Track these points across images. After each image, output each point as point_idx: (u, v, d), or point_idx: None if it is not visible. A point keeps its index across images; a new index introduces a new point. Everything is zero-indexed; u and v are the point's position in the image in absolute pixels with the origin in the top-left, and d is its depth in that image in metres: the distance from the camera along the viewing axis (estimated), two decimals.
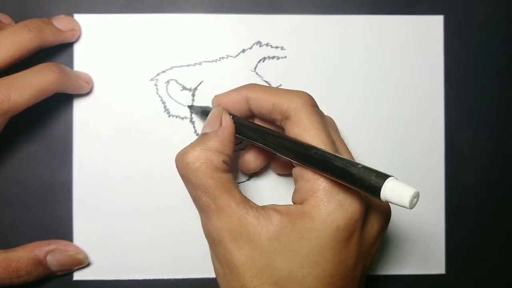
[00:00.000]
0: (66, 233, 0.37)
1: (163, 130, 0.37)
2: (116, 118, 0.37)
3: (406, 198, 0.23)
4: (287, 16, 0.38)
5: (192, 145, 0.30)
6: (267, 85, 0.38)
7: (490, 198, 0.39)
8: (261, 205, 0.30)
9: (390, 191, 0.24)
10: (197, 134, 0.38)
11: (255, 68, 0.38)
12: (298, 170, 0.29)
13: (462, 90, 0.39)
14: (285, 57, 0.38)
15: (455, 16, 0.39)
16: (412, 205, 0.23)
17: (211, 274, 0.37)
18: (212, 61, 0.38)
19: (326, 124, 0.30)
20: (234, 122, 0.32)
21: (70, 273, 0.37)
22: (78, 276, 0.37)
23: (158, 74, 0.37)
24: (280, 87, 0.38)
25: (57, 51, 0.37)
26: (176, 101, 0.38)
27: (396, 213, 0.38)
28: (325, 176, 0.28)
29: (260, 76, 0.38)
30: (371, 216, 0.30)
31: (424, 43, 0.39)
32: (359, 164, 0.26)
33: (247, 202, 0.29)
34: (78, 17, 0.37)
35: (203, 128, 0.32)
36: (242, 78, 0.38)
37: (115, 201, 0.37)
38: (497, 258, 0.39)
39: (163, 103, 0.37)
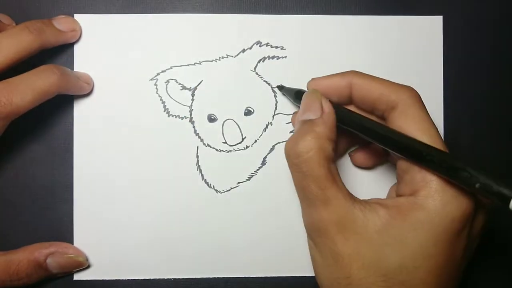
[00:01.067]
0: (66, 233, 0.37)
1: (162, 130, 0.37)
2: (116, 118, 0.37)
3: None
4: (287, 16, 0.38)
5: (300, 134, 0.30)
6: (267, 84, 0.38)
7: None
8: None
9: None
10: (197, 134, 0.38)
11: (255, 68, 0.38)
12: (405, 163, 0.29)
13: (462, 90, 0.39)
14: (285, 57, 0.38)
15: (454, 16, 0.39)
16: None
17: (211, 274, 0.37)
18: (212, 60, 0.38)
19: (431, 118, 0.30)
20: (336, 109, 0.31)
21: (69, 274, 0.37)
22: (78, 276, 0.37)
23: (158, 74, 0.38)
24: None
25: (58, 51, 0.37)
26: (175, 101, 0.38)
27: None
28: None
29: (260, 76, 0.38)
30: (478, 211, 0.30)
31: (424, 43, 0.39)
32: (481, 169, 0.26)
33: (352, 196, 0.29)
34: (78, 17, 0.37)
35: (302, 113, 0.31)
36: (242, 78, 0.38)
37: (115, 201, 0.37)
38: (497, 258, 0.39)
39: (163, 102, 0.38)
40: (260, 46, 0.38)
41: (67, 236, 0.37)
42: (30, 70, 0.34)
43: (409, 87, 0.31)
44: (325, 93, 0.32)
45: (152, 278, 0.37)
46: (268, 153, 0.38)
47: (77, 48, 0.37)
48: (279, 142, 0.38)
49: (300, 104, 0.33)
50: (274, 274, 0.38)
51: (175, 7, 0.38)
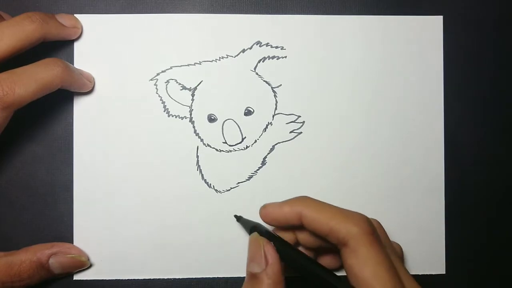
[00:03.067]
0: (66, 233, 0.37)
1: (162, 130, 0.37)
2: (116, 118, 0.37)
3: None
4: (287, 16, 0.38)
5: None
6: (267, 84, 0.38)
7: (490, 198, 0.39)
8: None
9: None
10: (196, 134, 0.38)
11: (255, 68, 0.38)
12: None
13: (462, 90, 0.39)
14: (285, 57, 0.38)
15: (455, 16, 0.39)
16: None
17: (211, 274, 0.37)
18: (212, 61, 0.38)
19: (388, 256, 0.29)
20: (280, 252, 0.31)
21: (71, 275, 0.37)
22: (78, 276, 0.37)
23: (158, 74, 0.38)
24: (280, 87, 0.38)
25: (58, 51, 0.37)
26: (175, 101, 0.38)
27: (396, 213, 0.38)
28: None
29: (260, 76, 0.38)
30: None
31: (424, 43, 0.39)
32: None
33: None
34: (78, 17, 0.37)
35: (248, 264, 0.31)
36: (242, 78, 0.38)
37: (115, 201, 0.37)
38: (497, 258, 0.39)
39: (163, 102, 0.38)
40: (260, 46, 0.38)
41: (67, 236, 0.37)
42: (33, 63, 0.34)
43: (360, 218, 0.29)
44: (277, 221, 0.32)
45: (152, 278, 0.37)
46: (268, 153, 0.38)
47: (77, 48, 0.37)
48: (279, 142, 0.38)
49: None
50: None
51: (175, 7, 0.38)
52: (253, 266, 0.30)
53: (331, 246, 0.31)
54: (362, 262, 0.28)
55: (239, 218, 0.36)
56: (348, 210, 0.30)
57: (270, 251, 0.30)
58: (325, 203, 0.31)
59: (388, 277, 0.27)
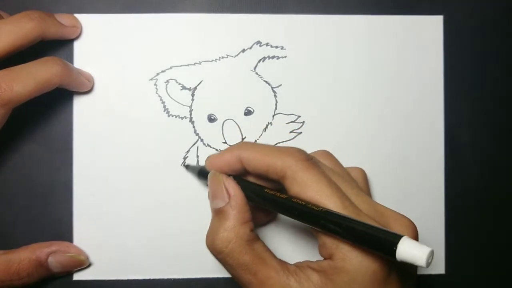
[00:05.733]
0: (66, 233, 0.37)
1: (162, 130, 0.37)
2: (116, 117, 0.37)
3: (422, 259, 0.24)
4: (287, 16, 0.38)
5: (214, 228, 0.30)
6: (267, 84, 0.38)
7: (490, 198, 0.39)
8: None
9: (404, 252, 0.24)
10: (197, 134, 0.38)
11: (255, 68, 0.38)
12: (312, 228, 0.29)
13: (462, 90, 0.39)
14: (285, 57, 0.38)
15: (455, 16, 0.39)
16: (428, 264, 0.24)
17: (211, 274, 0.37)
18: (212, 60, 0.38)
19: (326, 175, 0.29)
20: (240, 184, 0.31)
21: (70, 274, 0.37)
22: (78, 276, 0.37)
23: (157, 74, 0.38)
24: (280, 87, 0.38)
25: (57, 50, 0.37)
26: (175, 101, 0.38)
27: None
28: None
29: (260, 76, 0.38)
30: None
31: (424, 43, 0.39)
32: (368, 224, 0.26)
33: (285, 266, 0.29)
34: (78, 16, 0.37)
35: (212, 202, 0.31)
36: (242, 78, 0.38)
37: (115, 201, 0.37)
38: (497, 258, 0.39)
39: (163, 102, 0.38)
40: (260, 46, 0.38)
41: (66, 236, 0.37)
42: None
43: (293, 149, 0.30)
44: (222, 170, 0.32)
45: (152, 278, 0.37)
46: None
47: (76, 48, 0.37)
48: (279, 142, 0.38)
49: (204, 181, 0.33)
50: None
51: (175, 7, 0.38)
52: (216, 203, 0.31)
53: (275, 185, 0.31)
54: (303, 186, 0.29)
55: (187, 166, 0.37)
56: (282, 146, 0.31)
57: (231, 183, 0.31)
58: (262, 144, 0.33)
59: (330, 191, 0.28)
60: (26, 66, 0.33)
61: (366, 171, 0.37)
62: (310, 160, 0.30)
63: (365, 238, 0.26)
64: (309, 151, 0.38)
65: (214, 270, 0.37)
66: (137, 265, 0.37)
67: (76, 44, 0.37)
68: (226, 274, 0.37)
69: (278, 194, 0.30)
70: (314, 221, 0.28)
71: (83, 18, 0.37)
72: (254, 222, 0.31)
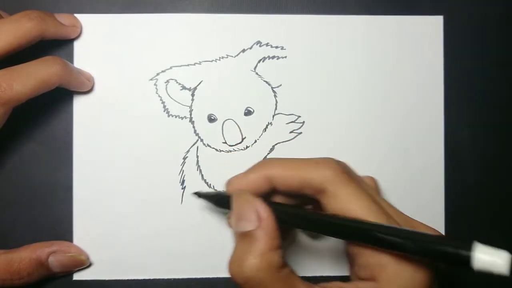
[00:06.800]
0: (66, 233, 0.37)
1: (162, 130, 0.37)
2: (116, 118, 0.37)
3: (503, 266, 0.21)
4: (287, 16, 0.38)
5: (241, 253, 0.27)
6: (267, 84, 0.38)
7: (490, 198, 0.39)
8: None
9: (483, 260, 0.22)
10: (197, 134, 0.38)
11: (255, 68, 0.38)
12: (355, 247, 0.27)
13: (462, 90, 0.39)
14: (285, 57, 0.38)
15: (455, 16, 0.39)
16: (509, 271, 0.22)
17: (211, 274, 0.37)
18: (212, 61, 0.38)
19: (367, 189, 0.28)
20: (272, 207, 0.28)
21: (70, 274, 0.37)
22: (78, 276, 0.37)
23: (157, 74, 0.38)
24: (280, 87, 0.38)
25: (57, 50, 0.37)
26: (175, 101, 0.38)
27: None
28: None
29: (260, 76, 0.38)
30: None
31: (424, 43, 0.39)
32: (431, 234, 0.25)
33: None
34: (78, 16, 0.37)
35: (237, 224, 0.28)
36: (242, 78, 0.38)
37: (115, 201, 0.37)
38: None
39: (163, 102, 0.38)
40: (260, 46, 0.38)
41: (66, 236, 0.37)
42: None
43: (330, 161, 0.28)
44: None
45: (152, 278, 0.37)
46: (268, 153, 0.38)
47: (76, 48, 0.37)
48: (279, 142, 0.38)
49: (223, 208, 0.31)
50: None
51: (175, 7, 0.38)
52: (244, 225, 0.27)
53: (307, 201, 0.29)
54: (347, 201, 0.27)
55: (198, 194, 0.35)
56: (314, 158, 0.29)
57: (262, 205, 0.28)
58: (290, 158, 0.30)
59: (375, 207, 0.27)
60: (26, 66, 0.33)
61: (366, 171, 0.37)
62: (348, 173, 0.28)
63: (431, 249, 0.24)
64: (309, 151, 0.38)
65: (214, 270, 0.37)
66: (137, 265, 0.37)
67: (76, 44, 0.37)
68: (226, 274, 0.37)
69: (319, 212, 0.28)
70: (366, 236, 0.26)
71: (83, 18, 0.37)
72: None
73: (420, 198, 0.39)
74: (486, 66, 0.39)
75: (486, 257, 0.21)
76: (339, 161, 0.29)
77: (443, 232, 0.39)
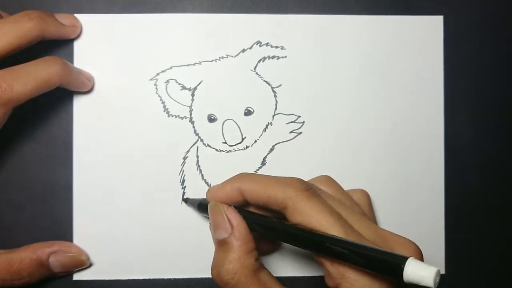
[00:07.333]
0: (66, 233, 0.37)
1: (162, 130, 0.37)
2: (116, 118, 0.37)
3: (429, 279, 0.24)
4: (287, 16, 0.38)
5: (219, 259, 0.30)
6: (267, 84, 0.38)
7: (490, 198, 0.39)
8: None
9: (412, 273, 0.24)
10: (197, 134, 0.38)
11: (255, 68, 0.38)
12: (318, 258, 0.29)
13: (462, 90, 0.39)
14: (285, 57, 0.38)
15: (455, 16, 0.39)
16: (436, 284, 0.24)
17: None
18: (212, 60, 0.38)
19: (328, 204, 0.29)
20: (242, 214, 0.31)
21: (70, 274, 0.37)
22: (78, 276, 0.37)
23: (157, 74, 0.38)
24: (280, 87, 0.38)
25: (57, 50, 0.37)
26: (175, 101, 0.38)
27: (395, 213, 0.38)
28: None
29: (260, 76, 0.38)
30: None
31: (424, 43, 0.39)
32: (373, 247, 0.26)
33: None
34: (78, 16, 0.37)
35: (214, 233, 0.31)
36: (242, 78, 0.38)
37: (115, 201, 0.37)
38: (497, 258, 0.39)
39: (163, 102, 0.38)
40: (260, 46, 0.38)
41: (66, 236, 0.37)
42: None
43: (292, 180, 0.30)
44: (223, 201, 0.32)
45: (152, 278, 0.37)
46: (268, 153, 0.38)
47: (76, 48, 0.37)
48: (279, 142, 0.38)
49: (205, 214, 0.33)
50: (274, 274, 0.38)
51: (175, 7, 0.38)
52: (219, 233, 0.30)
53: (276, 215, 0.31)
54: (305, 216, 0.28)
55: (186, 200, 0.37)
56: (282, 177, 0.31)
57: (232, 213, 0.31)
58: (262, 174, 0.34)
59: (333, 220, 0.28)
60: (26, 66, 0.33)
61: (366, 171, 0.37)
62: (310, 190, 0.29)
63: (371, 261, 0.25)
64: (309, 151, 0.38)
65: None
66: (137, 265, 0.37)
67: (76, 44, 0.37)
68: None
69: (281, 222, 0.30)
70: (319, 246, 0.27)
71: (83, 18, 0.37)
72: (258, 251, 0.31)
73: (420, 198, 0.39)
74: (486, 66, 0.39)
75: (415, 271, 0.24)
76: (302, 180, 0.30)
77: (442, 233, 0.39)
